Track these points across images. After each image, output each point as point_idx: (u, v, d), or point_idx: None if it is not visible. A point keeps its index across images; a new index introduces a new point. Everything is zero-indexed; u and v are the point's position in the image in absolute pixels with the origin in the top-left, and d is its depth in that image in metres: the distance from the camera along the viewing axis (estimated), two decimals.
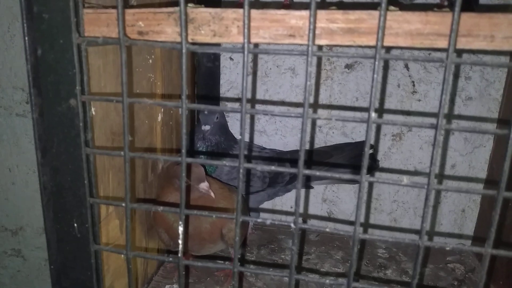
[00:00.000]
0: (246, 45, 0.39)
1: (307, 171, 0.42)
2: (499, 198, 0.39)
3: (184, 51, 0.41)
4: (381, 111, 1.06)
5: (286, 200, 1.16)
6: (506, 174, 0.39)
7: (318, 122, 1.09)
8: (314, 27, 0.40)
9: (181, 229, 0.44)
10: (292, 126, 1.11)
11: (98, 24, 0.47)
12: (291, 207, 1.16)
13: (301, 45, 0.44)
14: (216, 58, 1.07)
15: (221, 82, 1.10)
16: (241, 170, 0.42)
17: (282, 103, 1.10)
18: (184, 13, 0.40)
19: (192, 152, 0.94)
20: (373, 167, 1.05)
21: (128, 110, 0.43)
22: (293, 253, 0.43)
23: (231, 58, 1.09)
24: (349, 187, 1.12)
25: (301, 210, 1.15)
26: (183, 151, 0.43)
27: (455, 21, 0.36)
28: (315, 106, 1.09)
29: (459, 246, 0.41)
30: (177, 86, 0.92)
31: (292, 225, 0.43)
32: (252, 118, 1.12)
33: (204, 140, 0.94)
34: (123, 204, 0.46)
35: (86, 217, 0.47)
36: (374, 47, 0.37)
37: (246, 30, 0.39)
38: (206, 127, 0.92)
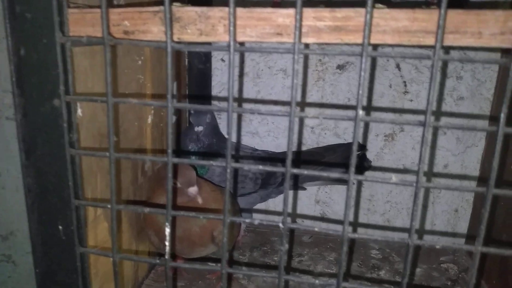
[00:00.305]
0: (231, 43, 0.39)
1: (295, 170, 0.42)
2: (488, 195, 0.39)
3: (169, 50, 0.40)
4: (373, 111, 1.05)
5: (279, 202, 1.15)
6: (495, 171, 0.39)
7: (310, 123, 1.09)
8: (301, 25, 0.39)
9: (167, 230, 0.43)
10: (284, 127, 1.11)
11: (83, 24, 0.46)
12: (289, 215, 1.15)
13: (288, 43, 0.43)
14: (207, 59, 1.06)
15: (213, 84, 1.10)
16: (228, 170, 0.42)
17: (275, 103, 1.09)
18: (169, 11, 0.39)
19: (183, 153, 0.93)
20: (366, 167, 1.04)
21: (113, 110, 0.42)
22: (282, 254, 0.43)
23: (222, 60, 1.08)
24: (342, 188, 1.12)
25: (291, 210, 1.14)
26: (169, 151, 0.42)
27: (442, 18, 0.35)
28: (307, 106, 1.09)
29: (449, 244, 0.41)
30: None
31: (280, 224, 0.42)
32: (244, 119, 1.11)
33: (198, 142, 0.94)
34: (109, 206, 0.45)
35: (71, 219, 0.46)
36: (362, 45, 0.37)
37: (231, 28, 0.38)
38: (199, 128, 0.92)
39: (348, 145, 1.04)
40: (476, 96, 1.00)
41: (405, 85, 1.03)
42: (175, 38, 0.45)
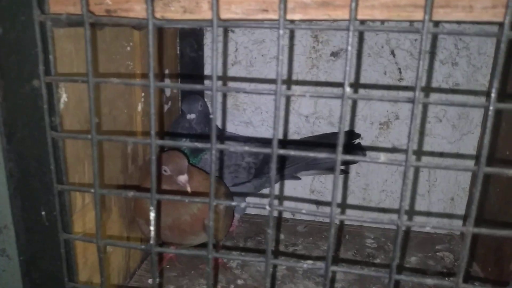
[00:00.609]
0: (215, 19, 0.37)
1: (281, 151, 0.41)
2: (479, 173, 0.38)
3: (150, 27, 0.39)
4: (367, 99, 1.04)
5: (277, 190, 1.14)
6: (486, 148, 0.38)
7: (305, 112, 1.07)
8: (286, 0, 0.38)
9: (152, 214, 0.42)
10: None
11: (64, 2, 0.45)
12: (279, 199, 1.14)
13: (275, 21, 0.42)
14: (199, 47, 1.05)
15: (205, 72, 1.08)
16: (213, 151, 0.41)
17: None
18: None
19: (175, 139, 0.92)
20: (360, 156, 1.03)
21: (94, 91, 0.41)
22: (268, 237, 0.42)
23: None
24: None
25: (289, 201, 1.13)
26: (152, 132, 0.41)
27: None
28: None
29: (440, 226, 0.40)
30: (158, 74, 0.90)
31: (267, 207, 0.41)
32: (238, 109, 1.10)
33: (190, 130, 0.92)
34: (92, 190, 0.44)
35: (54, 205, 0.45)
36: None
37: (214, 2, 0.37)
38: (192, 116, 0.91)
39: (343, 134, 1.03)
40: (471, 82, 0.99)
41: (400, 72, 1.01)
42: (158, 16, 0.44)
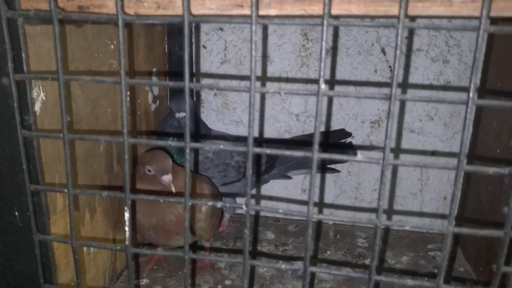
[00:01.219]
0: (186, 14, 0.36)
1: (257, 149, 0.40)
2: (459, 171, 0.37)
3: (120, 23, 0.38)
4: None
5: (265, 191, 1.13)
6: (466, 146, 0.37)
7: (295, 111, 1.06)
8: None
9: (126, 215, 0.41)
10: (269, 115, 1.08)
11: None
12: (270, 198, 1.13)
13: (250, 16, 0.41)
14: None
15: (194, 71, 1.07)
16: (187, 150, 0.40)
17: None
18: None
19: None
20: (351, 155, 1.02)
21: (64, 88, 0.39)
22: (245, 237, 0.41)
23: (204, 46, 1.06)
24: (328, 177, 1.09)
25: (281, 201, 1.12)
26: (125, 130, 0.40)
27: None
28: (293, 94, 1.06)
29: (419, 226, 0.39)
30: (144, 74, 0.89)
31: (243, 207, 0.40)
32: (228, 108, 1.09)
33: (178, 129, 0.91)
34: (65, 190, 0.43)
35: (27, 205, 0.44)
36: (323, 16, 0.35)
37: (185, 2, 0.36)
38: (181, 114, 0.90)
39: (332, 133, 1.02)
40: (463, 80, 0.98)
41: (391, 70, 1.00)
42: (132, 12, 0.43)
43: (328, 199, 1.11)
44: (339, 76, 1.02)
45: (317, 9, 0.40)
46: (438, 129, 1.02)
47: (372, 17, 0.42)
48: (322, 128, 1.05)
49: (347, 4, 0.39)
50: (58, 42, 0.38)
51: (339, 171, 1.08)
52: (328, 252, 0.96)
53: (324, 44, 0.35)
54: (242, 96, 1.07)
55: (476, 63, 0.33)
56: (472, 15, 0.38)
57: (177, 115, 0.90)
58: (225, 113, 1.09)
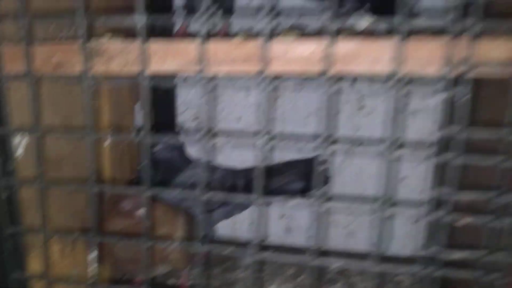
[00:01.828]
0: (143, 75, 0.41)
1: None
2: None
3: (87, 84, 0.43)
4: (331, 129, 1.08)
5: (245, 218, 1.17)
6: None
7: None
8: (206, 59, 0.42)
9: (91, 256, 0.45)
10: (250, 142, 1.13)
11: (17, 59, 0.49)
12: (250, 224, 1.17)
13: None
14: (171, 79, 1.10)
15: (178, 103, 1.13)
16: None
17: (238, 119, 1.13)
18: (86, 45, 0.42)
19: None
20: (325, 182, 1.07)
21: (41, 144, 0.44)
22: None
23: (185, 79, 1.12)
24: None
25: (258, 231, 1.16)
26: (92, 177, 0.44)
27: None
28: (270, 125, 1.12)
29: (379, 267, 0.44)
30: (128, 113, 0.95)
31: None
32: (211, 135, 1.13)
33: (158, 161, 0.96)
34: (41, 233, 0.47)
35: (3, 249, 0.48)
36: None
37: (143, 61, 0.41)
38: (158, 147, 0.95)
39: (308, 161, 1.07)
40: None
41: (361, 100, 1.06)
42: (101, 70, 0.48)
43: (306, 223, 1.15)
44: (312, 107, 1.07)
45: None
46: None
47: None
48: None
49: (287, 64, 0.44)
50: (35, 103, 0.44)
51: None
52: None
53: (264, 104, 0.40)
54: (223, 127, 1.13)
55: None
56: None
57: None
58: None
